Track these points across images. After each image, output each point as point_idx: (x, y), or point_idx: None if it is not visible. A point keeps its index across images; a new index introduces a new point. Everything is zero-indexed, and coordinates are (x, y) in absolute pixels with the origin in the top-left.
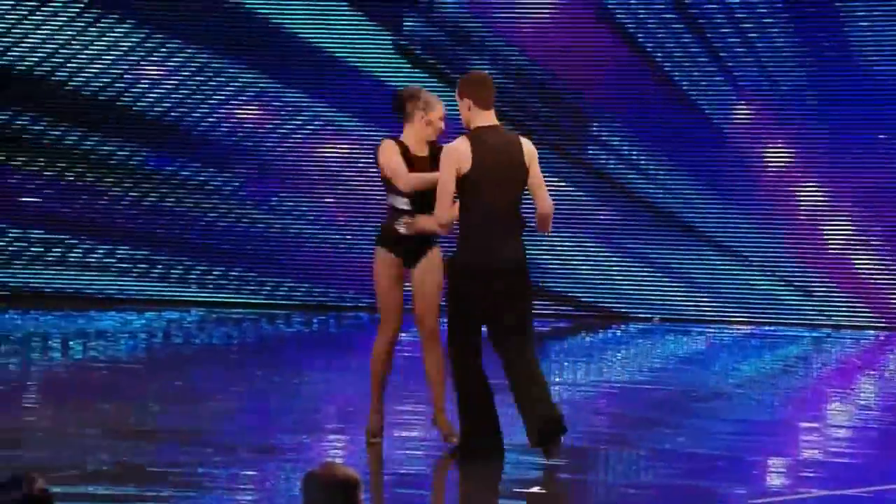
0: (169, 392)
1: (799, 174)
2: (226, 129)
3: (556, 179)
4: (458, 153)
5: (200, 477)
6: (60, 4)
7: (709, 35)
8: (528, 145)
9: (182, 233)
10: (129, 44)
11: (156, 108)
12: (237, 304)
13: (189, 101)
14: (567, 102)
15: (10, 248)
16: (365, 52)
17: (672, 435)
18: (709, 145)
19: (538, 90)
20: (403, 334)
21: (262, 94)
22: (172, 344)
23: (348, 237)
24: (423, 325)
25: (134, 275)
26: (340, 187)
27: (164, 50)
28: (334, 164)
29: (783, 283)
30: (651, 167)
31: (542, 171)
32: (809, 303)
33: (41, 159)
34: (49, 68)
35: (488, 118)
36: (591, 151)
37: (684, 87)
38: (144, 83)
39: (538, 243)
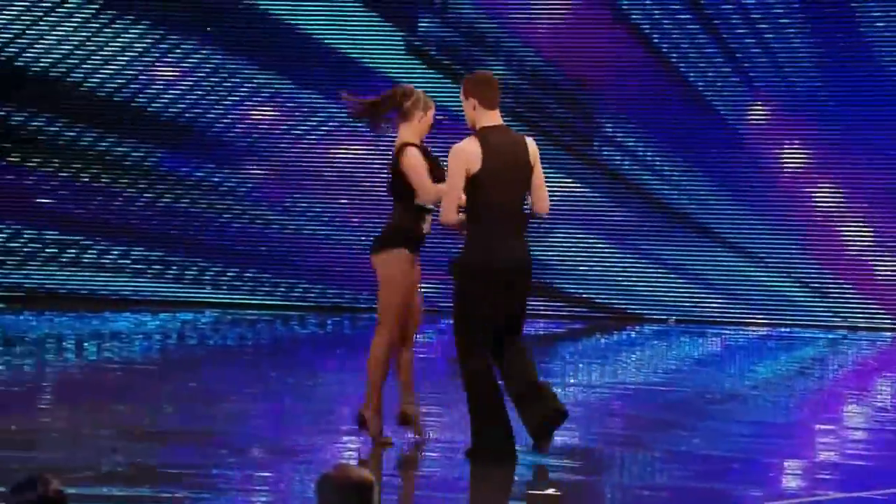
0: (183, 393)
1: (814, 175)
2: (240, 131)
3: (570, 180)
4: (468, 154)
5: (215, 478)
6: (76, 6)
7: (724, 36)
8: (532, 145)
9: (197, 234)
10: (144, 45)
11: (170, 110)
12: (251, 305)
13: (204, 102)
14: (582, 103)
15: (26, 250)
16: (380, 52)
17: (687, 437)
18: (724, 146)
19: (553, 91)
20: (418, 335)
21: (276, 95)
22: (187, 345)
23: (363, 238)
24: (416, 323)
25: (148, 276)
26: (355, 188)
27: (178, 51)
28: (349, 165)
29: (799, 285)
30: (666, 168)
31: (558, 172)
32: (825, 304)
33: (56, 160)
34: (64, 70)
35: (493, 118)
36: (606, 152)
37: (700, 88)
38: (159, 84)
39: (553, 245)
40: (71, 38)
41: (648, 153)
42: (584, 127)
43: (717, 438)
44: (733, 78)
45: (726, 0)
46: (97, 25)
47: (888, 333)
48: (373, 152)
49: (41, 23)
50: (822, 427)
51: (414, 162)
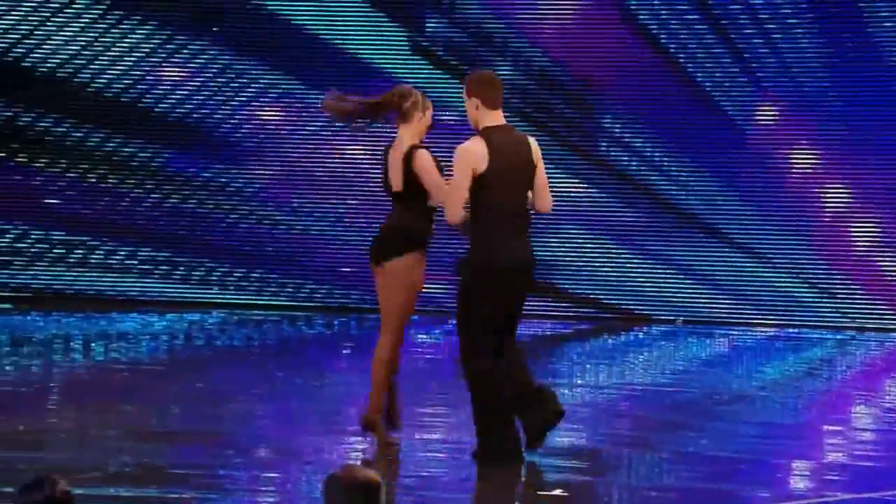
0: (190, 394)
1: (823, 175)
2: (248, 131)
3: (577, 181)
4: (475, 154)
5: (221, 479)
6: (83, 7)
7: (732, 36)
8: (534, 144)
9: (204, 234)
10: (152, 45)
11: (178, 110)
12: (258, 305)
13: (211, 102)
14: (589, 103)
15: (33, 250)
16: (387, 52)
17: (695, 438)
18: (732, 147)
19: (561, 91)
20: (422, 336)
21: (284, 95)
22: (194, 346)
23: (370, 239)
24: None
25: (155, 276)
26: (362, 188)
27: (186, 52)
28: (356, 165)
29: (807, 285)
30: (673, 168)
31: (565, 172)
32: (833, 305)
33: (63, 161)
34: (71, 70)
35: (496, 118)
36: (613, 153)
37: (707, 89)
38: (166, 85)
39: (561, 245)
40: (78, 38)
41: (656, 153)
42: (591, 127)
43: (725, 439)
44: (741, 78)
45: (734, 0)
46: (104, 26)
47: None
48: (380, 152)
49: (48, 23)
50: (831, 428)
51: (427, 164)
